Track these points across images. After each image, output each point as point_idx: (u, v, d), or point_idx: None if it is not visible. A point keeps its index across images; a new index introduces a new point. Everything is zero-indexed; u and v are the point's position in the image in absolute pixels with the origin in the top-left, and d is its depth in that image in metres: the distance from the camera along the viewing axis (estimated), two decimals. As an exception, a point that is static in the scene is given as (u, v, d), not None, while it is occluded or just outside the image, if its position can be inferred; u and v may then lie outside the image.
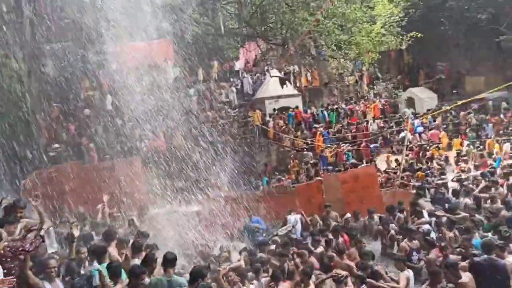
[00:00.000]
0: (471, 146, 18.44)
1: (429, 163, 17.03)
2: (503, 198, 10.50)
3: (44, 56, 17.68)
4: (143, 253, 6.95)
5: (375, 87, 28.41)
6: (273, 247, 9.16)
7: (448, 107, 21.50)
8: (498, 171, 13.53)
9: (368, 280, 7.06)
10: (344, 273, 7.05)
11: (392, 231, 9.71)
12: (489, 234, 8.13)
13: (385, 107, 25.73)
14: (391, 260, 8.56)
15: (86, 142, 17.20)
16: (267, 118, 23.05)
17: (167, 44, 21.50)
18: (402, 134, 20.92)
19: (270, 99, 23.97)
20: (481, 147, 18.11)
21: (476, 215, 9.77)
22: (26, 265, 5.23)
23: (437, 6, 26.10)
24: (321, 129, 22.69)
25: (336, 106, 25.57)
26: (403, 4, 24.19)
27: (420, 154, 18.26)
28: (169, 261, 6.01)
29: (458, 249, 8.16)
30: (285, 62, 25.30)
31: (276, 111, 23.36)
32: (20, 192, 11.24)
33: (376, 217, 10.90)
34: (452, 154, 17.94)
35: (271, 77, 24.11)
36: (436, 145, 19.50)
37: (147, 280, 5.75)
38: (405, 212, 10.85)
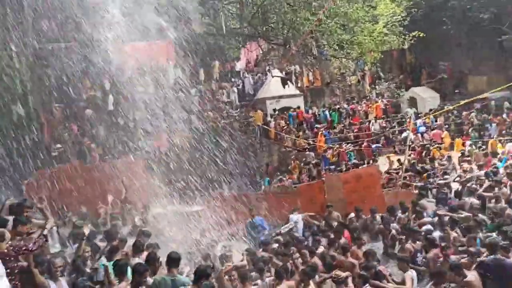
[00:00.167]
0: (473, 146, 18.39)
1: (431, 163, 16.98)
2: (507, 198, 10.45)
3: (46, 56, 17.71)
4: (145, 253, 6.98)
5: (377, 87, 28.37)
6: (275, 246, 9.14)
7: (451, 107, 21.45)
8: (501, 171, 13.48)
9: (372, 281, 7.03)
10: (343, 274, 7.03)
11: (394, 231, 9.69)
12: (494, 234, 8.09)
13: (387, 107, 25.69)
14: (392, 260, 8.53)
15: (88, 142, 17.21)
16: (269, 118, 23.03)
17: (168, 44, 21.48)
18: (404, 134, 20.88)
19: (271, 99, 23.95)
20: (484, 147, 18.04)
21: (480, 215, 9.73)
22: (30, 264, 5.23)
23: (439, 5, 26.05)
24: (323, 129, 22.65)
25: (338, 106, 25.53)
26: (406, 4, 24.20)
27: (423, 154, 18.21)
28: (173, 260, 6.01)
29: (461, 248, 8.13)
30: (287, 62, 25.30)
31: (276, 112, 23.31)
32: (23, 192, 11.26)
33: (378, 216, 10.87)
34: (455, 154, 17.89)
35: (273, 77, 24.10)
36: (438, 145, 19.45)
37: (150, 280, 5.76)
38: (407, 212, 10.81)
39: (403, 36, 23.18)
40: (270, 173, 20.10)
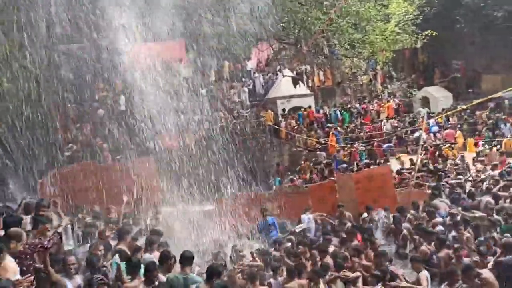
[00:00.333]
0: (486, 146, 18.17)
1: (444, 163, 16.82)
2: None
3: (59, 57, 17.89)
4: (156, 252, 7.03)
5: (389, 86, 28.16)
6: (288, 244, 9.13)
7: (464, 107, 21.21)
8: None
9: (389, 283, 6.99)
10: (352, 275, 7.00)
11: (405, 231, 9.63)
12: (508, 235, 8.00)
13: (399, 106, 25.49)
14: (404, 260, 8.47)
15: (100, 142, 17.35)
16: (279, 118, 22.99)
17: (179, 44, 21.61)
18: (416, 134, 20.70)
19: (282, 99, 23.89)
20: (498, 146, 17.81)
21: (494, 215, 9.62)
22: (46, 262, 5.28)
23: (453, 4, 25.77)
24: (333, 130, 22.53)
25: (349, 106, 25.40)
26: (418, 2, 23.98)
27: (436, 154, 18.04)
28: (186, 259, 6.08)
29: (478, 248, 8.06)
30: (298, 62, 25.23)
31: (285, 112, 23.23)
32: (37, 191, 11.40)
33: (390, 216, 10.81)
34: (468, 154, 17.70)
35: (284, 76, 24.06)
36: (450, 144, 19.24)
37: (163, 277, 5.81)
38: (418, 211, 10.74)
39: (415, 35, 22.99)
40: (281, 173, 20.07)
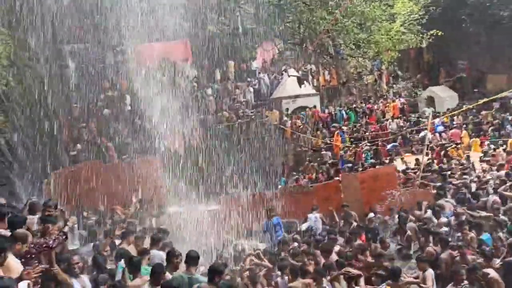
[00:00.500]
0: (492, 146, 18.05)
1: (449, 163, 16.74)
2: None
3: (65, 57, 17.97)
4: (162, 252, 7.05)
5: (394, 86, 28.07)
6: (295, 244, 9.12)
7: (470, 106, 21.10)
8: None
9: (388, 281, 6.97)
10: (354, 271, 6.97)
11: (409, 232, 9.60)
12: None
13: (405, 106, 25.40)
14: (407, 260, 8.43)
15: (106, 142, 17.41)
16: (285, 118, 22.98)
17: (185, 44, 21.63)
18: (422, 134, 20.61)
19: (287, 99, 23.87)
20: (505, 146, 17.68)
21: (500, 215, 9.57)
22: (52, 262, 5.28)
23: (458, 3, 25.62)
24: (338, 129, 22.47)
25: (354, 106, 25.34)
26: (424, 2, 23.88)
27: (442, 154, 17.95)
28: (192, 259, 6.07)
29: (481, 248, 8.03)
30: (303, 62, 25.20)
31: (288, 111, 23.19)
32: (42, 191, 11.46)
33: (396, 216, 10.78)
34: (474, 154, 17.59)
35: (289, 76, 24.04)
36: (455, 145, 19.13)
37: (168, 275, 5.82)
38: (423, 211, 10.71)
39: (420, 35, 22.89)
40: (286, 173, 20.06)
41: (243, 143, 19.70)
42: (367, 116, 24.48)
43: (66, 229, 5.95)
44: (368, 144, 20.89)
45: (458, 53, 27.30)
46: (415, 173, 15.25)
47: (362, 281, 7.00)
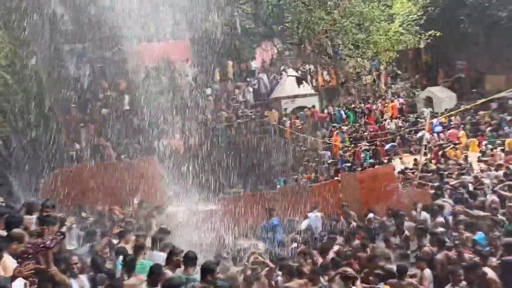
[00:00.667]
0: (489, 146, 18.07)
1: (446, 163, 16.76)
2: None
3: (63, 57, 17.95)
4: (162, 254, 7.05)
5: (393, 86, 28.12)
6: (294, 245, 9.12)
7: (467, 106, 21.13)
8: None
9: (391, 281, 6.98)
10: (351, 270, 6.96)
11: (406, 232, 9.60)
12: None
13: (403, 106, 25.44)
14: (405, 260, 8.42)
15: (104, 142, 17.40)
16: (284, 118, 22.99)
17: (184, 44, 21.63)
18: (420, 134, 20.64)
19: (286, 99, 23.90)
20: (503, 147, 17.70)
21: (498, 215, 9.59)
22: (49, 262, 5.26)
23: (457, 4, 25.65)
24: (337, 129, 22.50)
25: (353, 106, 25.37)
26: (422, 2, 23.92)
27: (439, 154, 17.98)
28: (190, 259, 6.08)
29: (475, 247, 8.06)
30: (302, 62, 25.23)
31: (286, 111, 23.21)
32: (40, 191, 11.43)
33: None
34: (472, 154, 17.62)
35: (288, 76, 24.06)
36: (453, 145, 19.17)
37: (169, 272, 5.83)
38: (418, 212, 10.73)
39: (419, 35, 22.92)
40: (285, 173, 20.07)
41: (242, 143, 19.70)
42: (366, 116, 24.52)
43: (64, 229, 5.93)
44: (367, 144, 20.92)
45: (457, 53, 27.33)
46: (413, 173, 15.28)
47: (358, 281, 6.99)
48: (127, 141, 16.87)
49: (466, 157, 16.59)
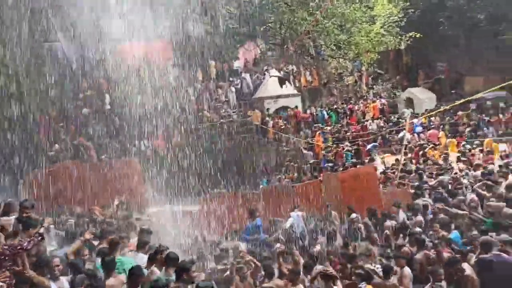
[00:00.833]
0: (468, 146, 18.40)
1: (425, 163, 17.01)
2: (504, 197, 10.46)
3: (43, 56, 17.65)
4: (142, 254, 6.99)
5: (374, 87, 28.42)
6: (278, 245, 9.11)
7: (447, 107, 21.49)
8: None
9: (374, 281, 7.03)
10: (332, 269, 7.00)
11: (387, 231, 9.70)
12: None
13: (384, 107, 25.73)
14: (388, 260, 8.51)
15: (85, 142, 17.16)
16: (267, 118, 23.04)
17: (166, 43, 21.44)
18: (401, 134, 20.91)
19: (269, 99, 23.96)
20: (481, 147, 18.04)
21: (476, 213, 9.77)
22: (25, 264, 5.17)
23: (437, 6, 26.08)
24: (319, 130, 22.65)
25: (335, 106, 25.57)
26: (402, 4, 24.23)
27: (420, 154, 18.24)
28: (171, 260, 6.00)
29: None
30: (285, 62, 25.32)
31: (269, 112, 23.27)
32: (19, 192, 11.23)
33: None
34: (452, 154, 17.91)
35: (270, 76, 24.11)
36: (433, 145, 19.47)
37: (157, 271, 5.78)
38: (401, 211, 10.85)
39: (399, 37, 23.22)
40: (268, 173, 20.10)
41: (225, 143, 19.66)
42: (348, 117, 24.74)
43: (41, 230, 5.82)
44: (349, 144, 21.11)
45: (437, 55, 27.78)
46: (393, 173, 15.47)
47: (339, 282, 7.02)
48: (108, 141, 16.67)
49: (446, 157, 16.85)
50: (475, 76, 26.06)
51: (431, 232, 9.17)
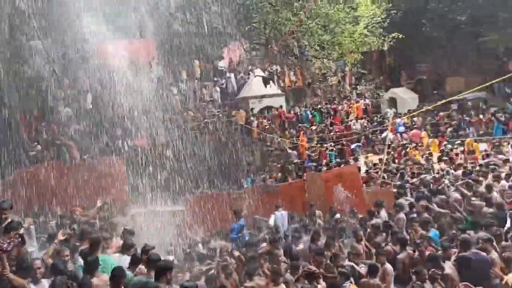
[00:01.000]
0: (449, 146, 18.68)
1: (405, 162, 17.22)
2: (484, 196, 10.66)
3: (24, 54, 17.36)
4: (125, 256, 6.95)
5: (358, 87, 28.66)
6: (264, 245, 9.11)
7: (429, 107, 21.79)
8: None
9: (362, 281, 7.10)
10: (315, 268, 7.03)
11: (369, 230, 9.78)
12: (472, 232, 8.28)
13: (368, 107, 25.96)
14: (371, 260, 8.59)
15: (67, 141, 16.92)
16: (251, 117, 23.06)
17: (150, 43, 21.31)
18: (384, 134, 21.13)
19: (254, 99, 23.99)
20: (462, 148, 18.34)
21: (457, 212, 9.93)
22: (5, 266, 5.09)
23: (419, 8, 26.42)
24: (304, 130, 22.77)
25: (319, 106, 25.72)
26: (385, 6, 24.47)
27: (402, 154, 18.47)
28: (152, 262, 5.93)
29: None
30: (269, 62, 25.37)
31: (253, 111, 23.29)
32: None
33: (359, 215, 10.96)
34: (434, 154, 18.17)
35: (255, 76, 24.13)
36: (415, 145, 19.73)
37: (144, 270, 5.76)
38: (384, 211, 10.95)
39: (382, 38, 23.45)
40: (253, 173, 20.10)
41: (209, 142, 19.59)
42: (331, 117, 24.90)
43: (21, 231, 5.74)
44: (333, 144, 21.26)
45: (420, 56, 28.16)
46: (376, 172, 15.62)
47: (321, 281, 7.05)
48: (91, 141, 16.47)
49: (428, 157, 17.07)
50: (456, 76, 26.48)
51: (410, 230, 9.29)
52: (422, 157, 17.34)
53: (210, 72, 25.54)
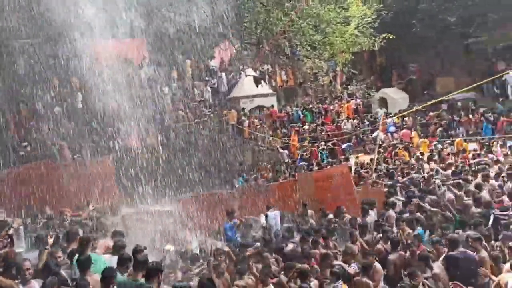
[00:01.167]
0: (439, 146, 18.82)
1: (394, 162, 17.32)
2: (473, 196, 10.74)
3: (13, 53, 17.20)
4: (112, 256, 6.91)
5: (349, 87, 28.77)
6: (257, 244, 9.12)
7: (419, 107, 21.93)
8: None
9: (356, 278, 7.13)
10: (305, 267, 7.06)
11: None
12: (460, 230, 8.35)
13: (359, 107, 26.08)
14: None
15: (57, 141, 16.78)
16: (243, 117, 23.05)
17: (141, 42, 21.21)
18: (375, 134, 21.24)
19: (245, 98, 23.97)
20: (452, 147, 18.48)
21: (448, 211, 10.01)
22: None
23: (409, 8, 26.60)
24: (295, 129, 22.81)
25: (311, 106, 25.80)
26: (376, 6, 24.58)
27: (392, 154, 18.58)
28: (139, 263, 5.88)
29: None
30: (260, 62, 25.36)
31: (245, 111, 23.29)
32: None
33: (347, 216, 10.98)
34: (426, 154, 18.29)
35: (246, 76, 24.12)
36: (404, 144, 19.84)
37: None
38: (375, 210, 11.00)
39: (373, 38, 23.55)
40: (244, 172, 20.10)
41: (201, 142, 19.56)
42: (323, 117, 24.98)
43: (11, 231, 5.69)
44: (324, 143, 21.33)
45: (410, 56, 28.34)
46: (367, 172, 15.69)
47: (313, 279, 7.08)
48: (81, 141, 16.36)
49: (419, 157, 17.16)
50: (446, 77, 26.70)
51: (397, 230, 9.34)
52: (412, 157, 17.42)
53: (201, 72, 25.46)
